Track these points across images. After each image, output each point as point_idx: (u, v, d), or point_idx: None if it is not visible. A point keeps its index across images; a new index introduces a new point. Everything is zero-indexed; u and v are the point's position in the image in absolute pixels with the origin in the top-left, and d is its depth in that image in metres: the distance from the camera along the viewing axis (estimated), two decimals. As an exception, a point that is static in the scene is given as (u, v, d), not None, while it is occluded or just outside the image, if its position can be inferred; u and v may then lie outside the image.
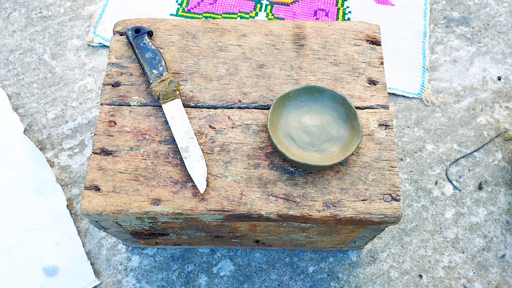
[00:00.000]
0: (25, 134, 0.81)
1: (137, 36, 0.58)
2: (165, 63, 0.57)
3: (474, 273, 0.72)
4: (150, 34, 0.59)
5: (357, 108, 0.56)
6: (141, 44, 0.58)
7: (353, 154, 0.52)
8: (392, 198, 0.51)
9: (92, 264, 0.71)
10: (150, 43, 0.58)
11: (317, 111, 0.55)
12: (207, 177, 0.51)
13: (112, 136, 0.54)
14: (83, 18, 0.94)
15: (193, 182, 0.51)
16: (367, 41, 0.60)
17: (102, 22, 0.91)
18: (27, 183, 0.76)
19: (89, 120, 0.83)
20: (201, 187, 0.50)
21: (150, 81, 0.56)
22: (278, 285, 0.71)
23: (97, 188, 0.51)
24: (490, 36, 0.93)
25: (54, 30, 0.92)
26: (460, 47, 0.92)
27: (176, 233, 0.61)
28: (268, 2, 0.95)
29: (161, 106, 0.56)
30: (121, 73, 0.58)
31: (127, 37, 0.59)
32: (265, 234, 0.60)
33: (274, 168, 0.52)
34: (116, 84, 0.57)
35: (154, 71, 0.56)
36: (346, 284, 0.71)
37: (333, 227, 0.56)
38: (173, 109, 0.54)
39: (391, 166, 0.52)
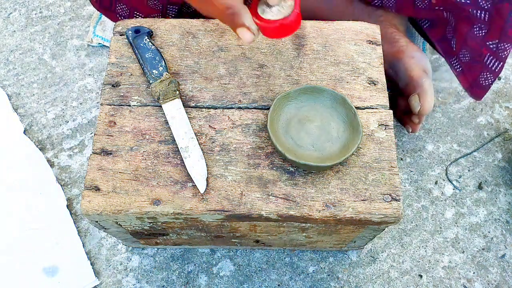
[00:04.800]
0: (25, 134, 0.81)
1: (137, 36, 0.58)
2: (165, 63, 0.57)
3: (474, 273, 0.72)
4: (150, 34, 0.59)
5: (357, 108, 0.56)
6: (141, 44, 0.58)
7: (353, 154, 0.52)
8: (392, 198, 0.51)
9: (92, 264, 0.71)
10: (150, 43, 0.58)
11: (317, 111, 0.55)
12: (207, 177, 0.51)
13: (112, 136, 0.54)
14: (83, 18, 0.94)
15: (193, 182, 0.51)
16: (367, 41, 0.60)
17: (102, 22, 0.91)
18: (27, 183, 0.76)
19: (89, 120, 0.83)
20: (201, 187, 0.50)
21: (150, 81, 0.56)
22: (278, 285, 0.71)
23: (97, 188, 0.51)
24: (490, 36, 0.93)
25: (54, 30, 0.92)
26: (460, 47, 0.92)
27: (176, 233, 0.61)
28: (268, 2, 0.95)
29: (161, 106, 0.56)
30: (121, 73, 0.58)
31: (127, 37, 0.59)
32: (265, 234, 0.60)
33: (274, 168, 0.52)
34: (116, 84, 0.57)
35: (154, 71, 0.56)
36: (346, 284, 0.71)
37: (333, 227, 0.56)
38: (173, 109, 0.54)
39: (391, 166, 0.52)
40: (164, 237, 0.63)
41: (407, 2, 0.72)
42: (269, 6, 0.41)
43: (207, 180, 0.51)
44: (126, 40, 0.60)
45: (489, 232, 0.75)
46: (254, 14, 0.43)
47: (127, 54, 0.59)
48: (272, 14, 0.41)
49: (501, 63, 0.65)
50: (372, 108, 0.56)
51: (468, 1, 0.64)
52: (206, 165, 0.52)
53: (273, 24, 0.42)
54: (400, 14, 0.76)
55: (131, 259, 0.72)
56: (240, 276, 0.71)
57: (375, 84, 0.58)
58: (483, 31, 0.65)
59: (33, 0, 0.96)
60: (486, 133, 0.84)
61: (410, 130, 0.77)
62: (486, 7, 0.62)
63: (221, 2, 0.41)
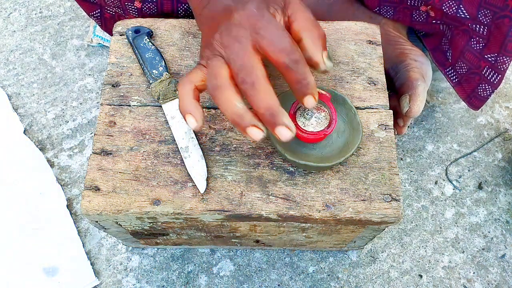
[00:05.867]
0: (25, 134, 0.81)
1: (137, 36, 0.58)
2: (165, 63, 0.57)
3: (474, 273, 0.72)
4: (150, 34, 0.59)
5: (357, 108, 0.56)
6: (141, 44, 0.58)
7: (353, 154, 0.52)
8: (392, 198, 0.51)
9: (92, 264, 0.71)
10: (150, 43, 0.58)
11: (317, 111, 0.55)
12: (207, 177, 0.51)
13: (112, 136, 0.54)
14: (83, 18, 0.94)
15: (193, 182, 0.51)
16: (367, 41, 0.60)
17: (102, 22, 0.91)
18: (27, 183, 0.76)
19: (89, 120, 0.83)
20: (201, 187, 0.50)
21: (150, 81, 0.56)
22: (278, 285, 0.71)
23: (97, 188, 0.51)
24: (490, 36, 0.93)
25: (54, 30, 0.92)
26: (460, 47, 0.92)
27: (176, 233, 0.61)
28: (268, 2, 0.95)
29: (161, 106, 0.56)
30: (121, 73, 0.58)
31: (127, 37, 0.59)
32: (265, 234, 0.60)
33: (274, 168, 0.52)
34: (116, 84, 0.57)
35: (154, 71, 0.56)
36: (346, 284, 0.71)
37: (333, 227, 0.56)
38: (173, 109, 0.54)
39: (391, 166, 0.52)
40: (164, 237, 0.63)
41: (404, 14, 0.73)
42: (307, 118, 0.48)
43: (207, 180, 0.51)
44: (126, 40, 0.60)
45: (489, 232, 0.75)
46: (297, 126, 0.48)
47: (127, 54, 0.59)
48: (313, 126, 0.48)
49: (500, 76, 0.66)
50: (372, 108, 0.56)
51: (468, 16, 0.64)
52: (206, 165, 0.52)
53: (317, 135, 0.48)
54: (398, 22, 0.77)
55: (131, 259, 0.72)
56: (240, 276, 0.71)
57: (375, 84, 0.58)
58: (481, 45, 0.65)
59: (33, 0, 0.96)
60: (486, 133, 0.84)
61: (396, 132, 0.78)
62: (485, 22, 0.63)
63: (263, 103, 0.41)
